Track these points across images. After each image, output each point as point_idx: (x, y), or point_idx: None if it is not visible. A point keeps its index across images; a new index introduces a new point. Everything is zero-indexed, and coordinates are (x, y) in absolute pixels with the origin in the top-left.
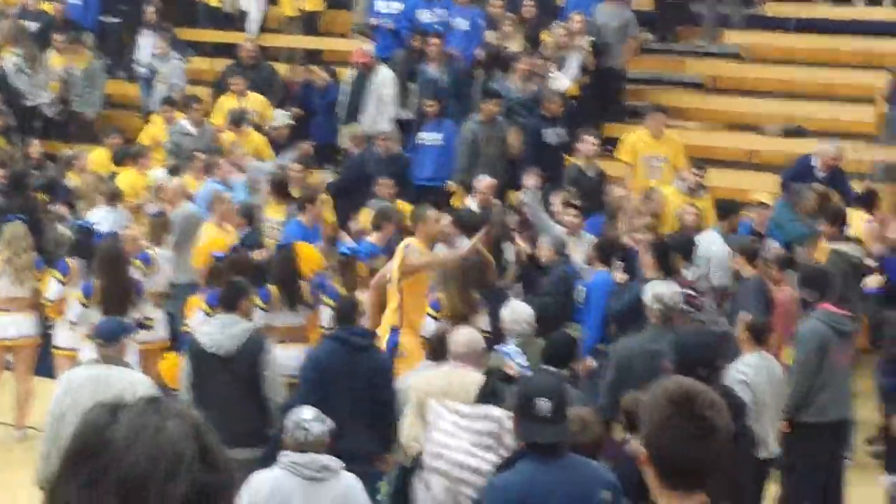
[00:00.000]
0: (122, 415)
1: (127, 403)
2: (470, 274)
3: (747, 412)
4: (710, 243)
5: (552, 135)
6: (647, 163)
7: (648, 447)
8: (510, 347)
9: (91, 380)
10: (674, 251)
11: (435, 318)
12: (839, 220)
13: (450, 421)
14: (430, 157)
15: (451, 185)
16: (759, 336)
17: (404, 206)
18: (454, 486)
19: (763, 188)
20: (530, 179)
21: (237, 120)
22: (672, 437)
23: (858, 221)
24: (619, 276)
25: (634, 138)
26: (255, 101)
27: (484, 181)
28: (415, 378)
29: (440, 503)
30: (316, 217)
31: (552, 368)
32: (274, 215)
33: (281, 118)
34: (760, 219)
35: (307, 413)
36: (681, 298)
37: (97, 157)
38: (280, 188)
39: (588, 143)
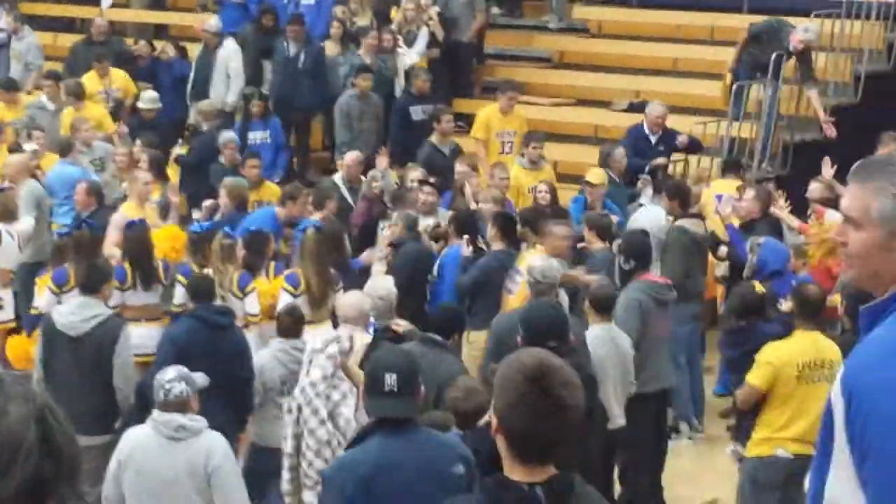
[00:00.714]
0: None
1: None
2: (325, 250)
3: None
4: (657, 221)
5: (419, 112)
6: (499, 138)
7: (500, 419)
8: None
9: None
10: (525, 225)
11: (292, 294)
12: (681, 196)
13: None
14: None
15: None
16: (603, 308)
17: (272, 187)
18: (302, 421)
19: None
20: (381, 159)
21: (76, 93)
22: (524, 413)
23: (731, 189)
24: (466, 249)
25: (487, 114)
26: (117, 78)
27: (350, 156)
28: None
29: (289, 433)
30: (294, 215)
31: (438, 338)
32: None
33: (149, 100)
34: (593, 195)
35: (170, 373)
36: (555, 273)
37: None
38: (157, 167)
39: (444, 121)
